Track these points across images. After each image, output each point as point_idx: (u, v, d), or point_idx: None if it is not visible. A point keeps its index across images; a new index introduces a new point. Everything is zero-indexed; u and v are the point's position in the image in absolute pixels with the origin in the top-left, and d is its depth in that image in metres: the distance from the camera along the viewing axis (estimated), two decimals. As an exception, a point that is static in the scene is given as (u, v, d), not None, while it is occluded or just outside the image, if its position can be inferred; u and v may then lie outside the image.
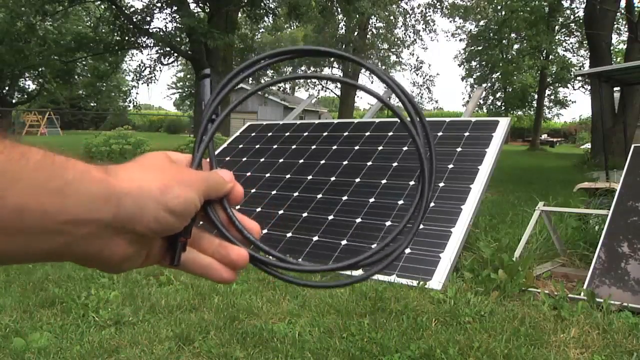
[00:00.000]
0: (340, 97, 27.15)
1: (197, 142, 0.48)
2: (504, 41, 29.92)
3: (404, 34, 27.55)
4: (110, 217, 0.36)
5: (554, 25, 26.24)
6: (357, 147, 4.60)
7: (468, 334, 2.36)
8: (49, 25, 15.91)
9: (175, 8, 15.16)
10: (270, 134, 5.37)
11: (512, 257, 3.22)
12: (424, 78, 31.85)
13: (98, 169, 0.36)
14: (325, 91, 36.26)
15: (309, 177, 4.42)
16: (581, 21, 21.94)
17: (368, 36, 25.08)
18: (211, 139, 0.48)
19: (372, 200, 3.89)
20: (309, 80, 34.79)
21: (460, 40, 34.64)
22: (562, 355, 2.20)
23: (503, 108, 33.27)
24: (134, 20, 15.56)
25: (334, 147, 4.73)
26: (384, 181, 4.05)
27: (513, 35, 29.02)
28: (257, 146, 5.17)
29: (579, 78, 27.50)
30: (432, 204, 3.60)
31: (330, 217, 3.85)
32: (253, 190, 4.47)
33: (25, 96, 31.42)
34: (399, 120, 0.48)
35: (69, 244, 0.35)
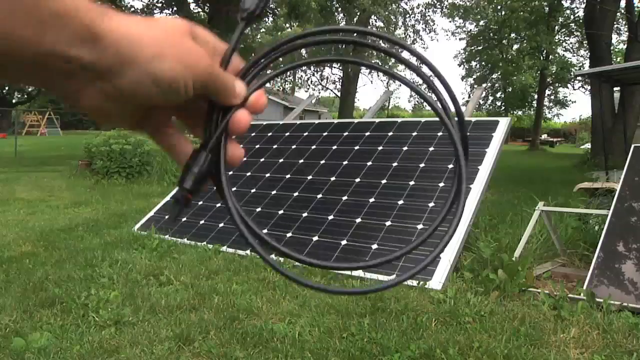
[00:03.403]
0: (340, 97, 27.16)
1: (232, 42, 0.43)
2: (504, 41, 29.94)
3: (404, 33, 27.55)
4: (89, 60, 0.33)
5: (554, 25, 26.26)
6: (357, 147, 4.60)
7: (468, 334, 2.36)
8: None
9: (175, 9, 15.17)
10: (270, 134, 5.37)
11: (512, 257, 3.22)
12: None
13: (90, 8, 0.33)
14: (325, 91, 36.29)
15: (309, 177, 4.42)
16: (581, 21, 21.94)
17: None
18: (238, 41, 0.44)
19: (372, 200, 3.89)
20: (309, 80, 34.77)
21: (460, 39, 34.66)
22: (562, 355, 2.20)
23: (503, 108, 33.29)
24: (134, 20, 15.56)
25: (334, 147, 4.72)
26: (384, 181, 4.04)
27: (513, 35, 29.04)
28: (257, 146, 5.17)
29: (579, 78, 27.51)
30: (432, 204, 3.60)
31: (330, 217, 3.85)
32: (253, 190, 4.47)
33: (25, 96, 31.39)
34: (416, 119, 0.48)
35: (45, 77, 0.34)
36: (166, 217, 4.54)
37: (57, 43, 0.32)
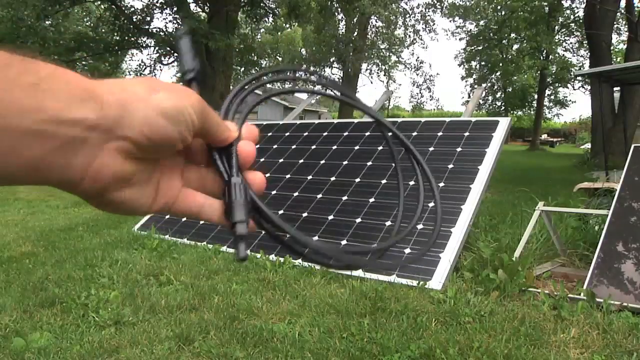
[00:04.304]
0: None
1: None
2: (504, 41, 29.92)
3: (404, 33, 27.54)
4: (95, 118, 0.32)
5: (554, 25, 26.25)
6: (357, 147, 4.60)
7: (468, 334, 2.36)
8: (47, 23, 15.92)
9: (175, 9, 15.17)
10: (270, 134, 5.37)
11: (512, 257, 3.22)
12: (424, 78, 31.84)
13: (74, 72, 0.33)
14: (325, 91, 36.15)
15: (309, 177, 4.42)
16: (581, 21, 21.94)
17: (368, 35, 25.07)
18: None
19: (372, 200, 3.89)
20: (309, 81, 34.67)
21: (460, 39, 34.63)
22: (562, 355, 2.20)
23: (503, 108, 33.28)
24: (134, 20, 15.58)
25: (334, 147, 4.72)
26: (384, 181, 4.04)
27: (513, 35, 29.03)
28: (257, 146, 5.16)
29: (579, 78, 27.50)
30: (432, 204, 3.60)
31: (330, 217, 3.85)
32: (253, 190, 4.47)
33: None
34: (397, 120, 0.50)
35: (53, 152, 0.31)
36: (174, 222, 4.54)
37: (58, 107, 0.31)
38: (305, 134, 5.15)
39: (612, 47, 15.66)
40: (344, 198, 4.00)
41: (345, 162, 4.45)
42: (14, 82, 0.29)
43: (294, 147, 4.96)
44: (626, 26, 17.15)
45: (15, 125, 0.29)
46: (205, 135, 0.40)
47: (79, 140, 0.32)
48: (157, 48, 16.62)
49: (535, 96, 31.02)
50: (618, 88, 11.36)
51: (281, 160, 4.80)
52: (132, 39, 16.22)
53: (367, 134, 4.76)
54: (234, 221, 0.39)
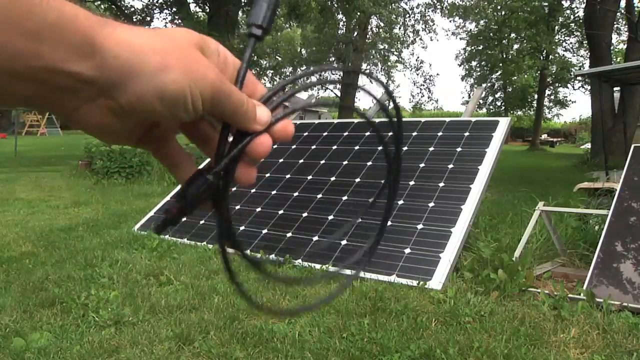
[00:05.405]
0: (340, 97, 27.17)
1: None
2: (504, 41, 29.94)
3: (404, 33, 27.55)
4: (92, 75, 0.31)
5: (554, 25, 26.26)
6: (357, 147, 4.60)
7: (468, 334, 2.36)
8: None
9: (175, 9, 15.18)
10: (270, 134, 5.37)
11: (512, 257, 3.22)
12: (424, 78, 31.87)
13: (89, 17, 0.31)
14: (325, 91, 36.29)
15: (309, 177, 4.42)
16: (581, 21, 21.94)
17: (368, 35, 25.08)
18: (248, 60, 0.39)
19: (372, 200, 3.89)
20: (309, 80, 34.66)
21: (461, 39, 34.68)
22: (562, 355, 2.20)
23: (503, 108, 33.30)
24: (134, 20, 15.59)
25: (334, 147, 4.73)
26: (384, 181, 4.04)
27: (513, 35, 29.04)
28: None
29: (579, 78, 27.50)
30: (432, 204, 3.61)
31: (330, 217, 3.85)
32: (253, 190, 4.47)
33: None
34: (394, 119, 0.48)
35: (43, 95, 0.31)
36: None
37: (55, 57, 0.30)
38: (305, 134, 5.15)
39: (612, 47, 15.66)
40: (344, 198, 4.01)
41: (345, 162, 4.45)
42: (15, 26, 0.28)
43: (294, 147, 4.96)
44: (626, 26, 17.15)
45: (7, 67, 0.29)
46: (220, 117, 0.37)
47: (71, 89, 0.32)
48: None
49: (535, 96, 31.03)
50: (618, 88, 11.35)
51: (281, 160, 4.80)
52: (132, 39, 16.23)
53: (367, 134, 4.76)
54: (179, 205, 0.39)
